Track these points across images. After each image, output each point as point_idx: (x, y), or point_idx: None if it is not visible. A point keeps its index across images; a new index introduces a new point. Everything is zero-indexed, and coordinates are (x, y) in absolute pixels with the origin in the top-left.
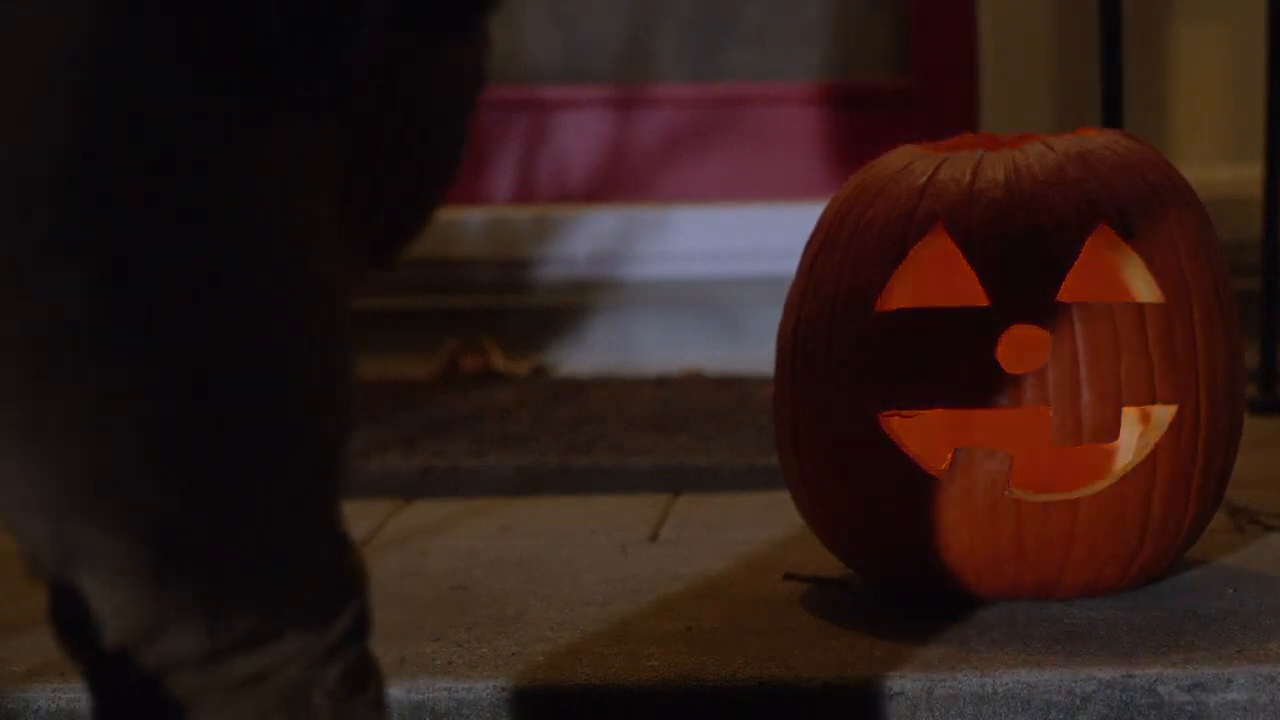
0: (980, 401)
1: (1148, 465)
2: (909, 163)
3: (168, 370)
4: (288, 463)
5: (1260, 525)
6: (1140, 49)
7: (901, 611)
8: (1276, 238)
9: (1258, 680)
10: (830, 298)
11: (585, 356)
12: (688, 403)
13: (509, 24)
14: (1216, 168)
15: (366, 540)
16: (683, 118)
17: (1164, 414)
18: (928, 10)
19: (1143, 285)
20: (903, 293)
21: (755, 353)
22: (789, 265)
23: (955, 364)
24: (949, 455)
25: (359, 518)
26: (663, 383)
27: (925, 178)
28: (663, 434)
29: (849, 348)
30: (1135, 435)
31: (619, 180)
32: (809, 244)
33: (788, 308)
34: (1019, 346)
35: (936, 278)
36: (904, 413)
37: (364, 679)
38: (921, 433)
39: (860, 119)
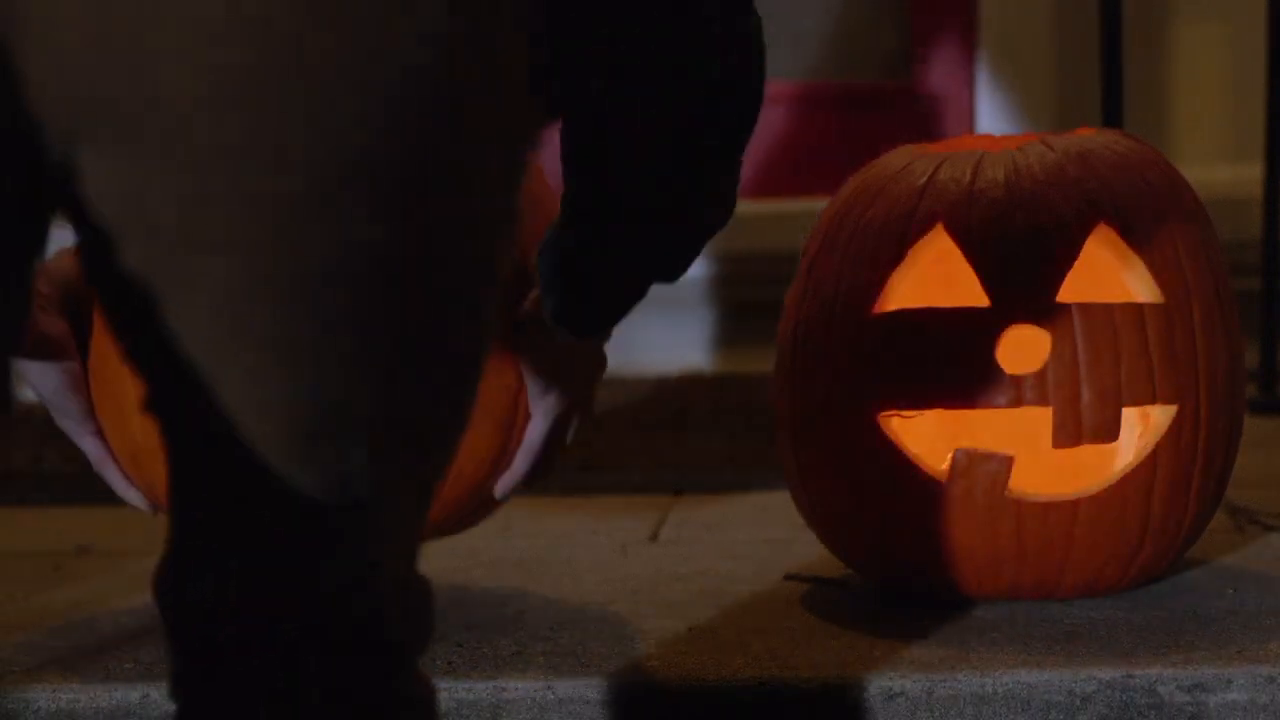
0: (980, 402)
1: (1148, 465)
2: (909, 163)
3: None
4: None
5: (1260, 525)
6: (1140, 49)
7: (901, 611)
8: (1276, 238)
9: (1258, 680)
10: (830, 298)
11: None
12: (688, 403)
13: None
14: (1216, 168)
15: None
16: None
17: (1164, 414)
18: (928, 10)
19: (1143, 285)
20: (902, 293)
21: (755, 353)
22: (789, 265)
23: (955, 364)
24: (949, 456)
25: None
26: (663, 383)
27: (925, 178)
28: (663, 434)
29: (849, 348)
30: (1135, 435)
31: None
32: (808, 244)
33: (788, 308)
34: (1019, 346)
35: (936, 278)
36: (904, 413)
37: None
38: (921, 433)
39: (860, 119)
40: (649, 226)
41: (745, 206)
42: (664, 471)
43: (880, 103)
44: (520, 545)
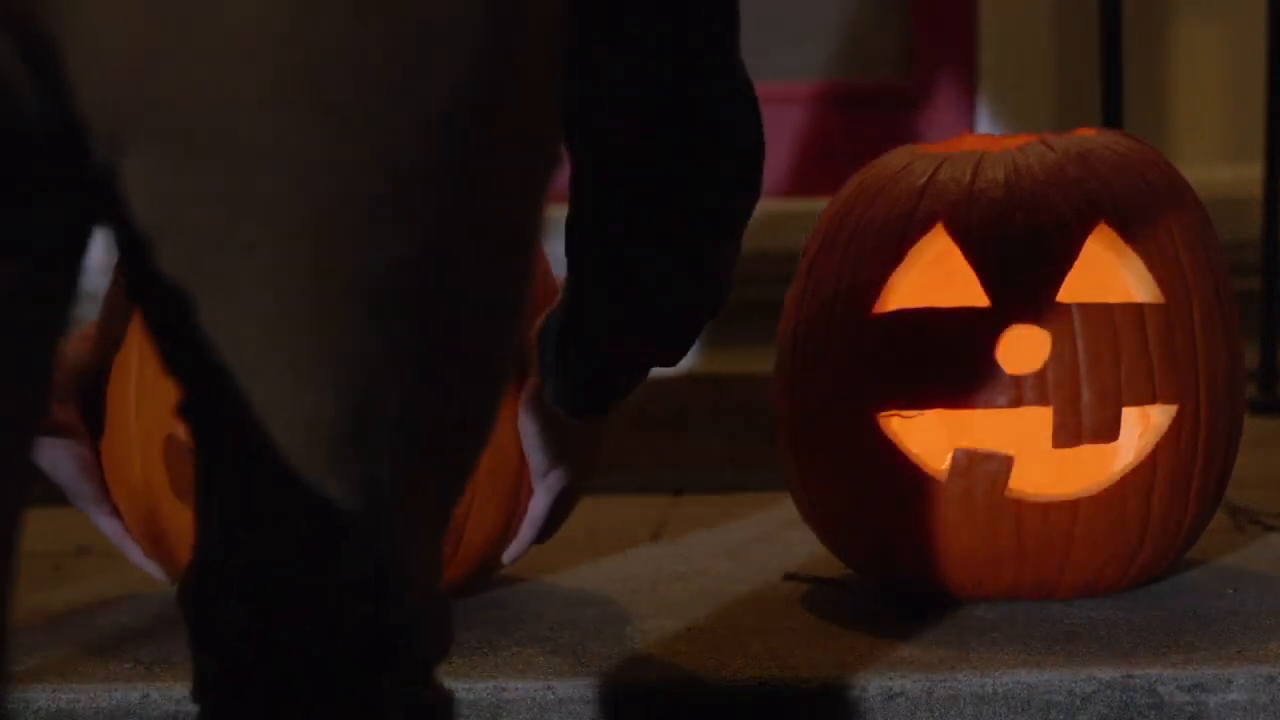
0: (980, 402)
1: (1148, 465)
2: (909, 163)
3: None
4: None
5: (1260, 525)
6: (1140, 49)
7: (901, 611)
8: (1276, 238)
9: (1258, 680)
10: (830, 298)
11: None
12: (688, 403)
13: None
14: (1216, 168)
15: None
16: None
17: (1164, 414)
18: (928, 10)
19: (1143, 285)
20: (902, 293)
21: (755, 353)
22: (789, 265)
23: (955, 364)
24: (949, 456)
25: None
26: (662, 383)
27: (925, 178)
28: (663, 434)
29: (849, 348)
30: (1135, 435)
31: None
32: (809, 244)
33: (787, 308)
34: (1019, 346)
35: (936, 278)
36: (904, 413)
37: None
38: (921, 433)
39: (860, 119)
40: (649, 308)
41: None
42: (664, 471)
43: (880, 103)
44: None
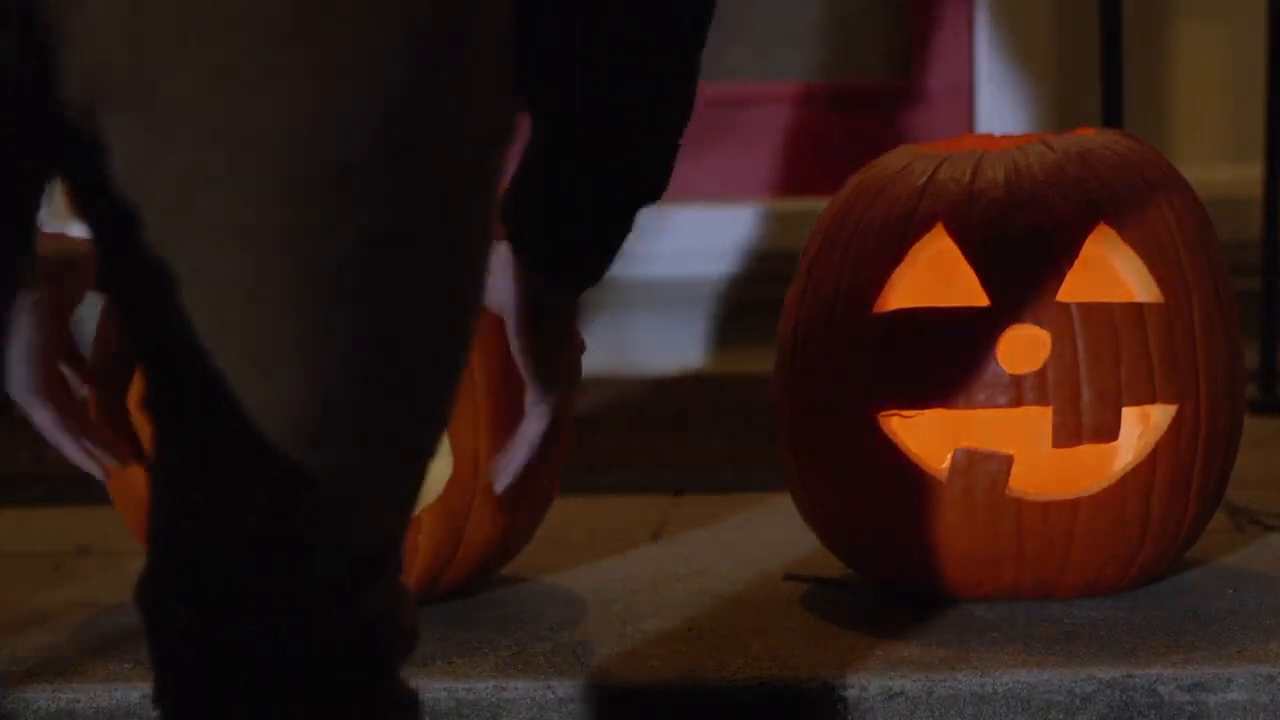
0: (980, 401)
1: (1148, 465)
2: (908, 163)
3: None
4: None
5: (1260, 525)
6: (1140, 49)
7: (901, 611)
8: (1276, 238)
9: (1258, 680)
10: (830, 298)
11: (584, 356)
12: (687, 403)
13: None
14: (1216, 168)
15: None
16: None
17: (1164, 414)
18: (927, 11)
19: (1142, 285)
20: (902, 293)
21: (755, 353)
22: (789, 265)
23: (955, 364)
24: (949, 456)
25: None
26: (662, 383)
27: (925, 178)
28: (663, 434)
29: (849, 348)
30: (1135, 435)
31: None
32: (809, 244)
33: (787, 308)
34: (1019, 346)
35: (936, 278)
36: (904, 413)
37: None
38: (921, 433)
39: (860, 119)
40: (617, 137)
41: (746, 206)
42: (664, 471)
43: (880, 103)
44: None
